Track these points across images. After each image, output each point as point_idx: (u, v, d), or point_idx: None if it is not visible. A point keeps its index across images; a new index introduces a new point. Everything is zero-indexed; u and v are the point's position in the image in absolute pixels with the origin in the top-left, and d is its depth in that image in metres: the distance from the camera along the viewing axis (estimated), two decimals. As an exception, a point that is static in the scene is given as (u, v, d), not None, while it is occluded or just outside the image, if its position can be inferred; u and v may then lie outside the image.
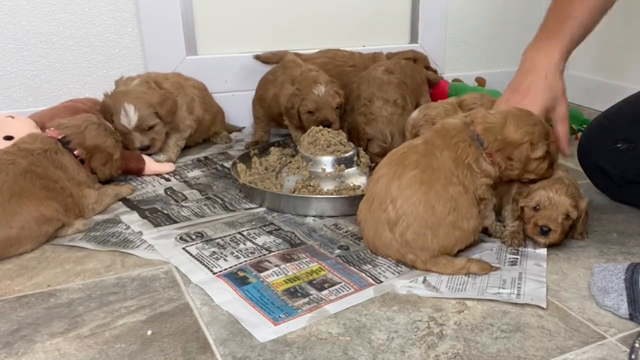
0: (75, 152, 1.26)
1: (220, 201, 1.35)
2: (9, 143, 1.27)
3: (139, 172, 1.49)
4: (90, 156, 1.29)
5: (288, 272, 1.04)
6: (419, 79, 1.74)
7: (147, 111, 1.50)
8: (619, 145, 1.26)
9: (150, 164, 1.51)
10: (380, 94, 1.53)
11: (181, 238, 1.17)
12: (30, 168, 1.16)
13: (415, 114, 1.38)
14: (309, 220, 1.26)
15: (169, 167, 1.55)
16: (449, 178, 1.03)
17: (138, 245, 1.15)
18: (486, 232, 1.16)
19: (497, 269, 1.03)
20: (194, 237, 1.17)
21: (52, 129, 1.28)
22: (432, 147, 1.06)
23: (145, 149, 1.53)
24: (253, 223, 1.24)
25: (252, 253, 1.11)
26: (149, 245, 1.15)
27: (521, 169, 1.07)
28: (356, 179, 1.37)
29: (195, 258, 1.09)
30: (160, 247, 1.14)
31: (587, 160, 1.34)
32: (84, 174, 1.27)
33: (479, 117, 1.09)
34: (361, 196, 1.26)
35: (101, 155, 1.30)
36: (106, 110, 1.50)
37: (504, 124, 1.07)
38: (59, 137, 1.26)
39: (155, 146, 1.56)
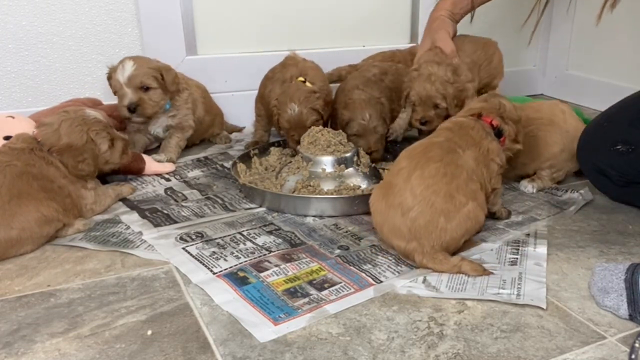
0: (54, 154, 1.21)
1: (220, 201, 1.35)
2: (8, 143, 1.27)
3: (139, 172, 1.49)
4: (61, 153, 1.20)
5: (288, 272, 1.04)
6: None
7: (146, 71, 1.48)
8: (618, 147, 1.25)
9: (151, 164, 1.51)
10: (362, 87, 1.56)
11: (181, 238, 1.17)
12: (26, 169, 1.15)
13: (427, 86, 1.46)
14: (309, 220, 1.26)
15: (169, 167, 1.54)
16: (470, 175, 1.08)
17: (138, 245, 1.15)
18: (493, 216, 1.22)
19: (489, 273, 1.02)
20: (194, 237, 1.17)
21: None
22: (455, 145, 1.11)
23: (133, 110, 1.47)
24: (253, 223, 1.24)
25: (252, 253, 1.11)
26: (149, 245, 1.15)
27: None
28: (356, 179, 1.37)
29: (195, 258, 1.09)
30: (160, 247, 1.14)
31: (586, 162, 1.34)
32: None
33: (487, 109, 1.18)
34: (362, 196, 1.26)
35: (76, 152, 1.21)
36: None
37: (502, 105, 1.19)
38: (38, 140, 1.22)
39: (144, 111, 1.49)
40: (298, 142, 1.46)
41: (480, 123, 1.16)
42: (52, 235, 1.16)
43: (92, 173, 1.26)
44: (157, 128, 1.60)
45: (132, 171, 1.48)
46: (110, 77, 1.51)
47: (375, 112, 1.52)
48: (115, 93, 1.51)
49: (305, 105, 1.50)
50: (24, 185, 1.13)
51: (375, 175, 1.40)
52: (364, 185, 1.35)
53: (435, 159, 1.07)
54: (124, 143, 1.33)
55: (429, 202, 1.03)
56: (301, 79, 1.57)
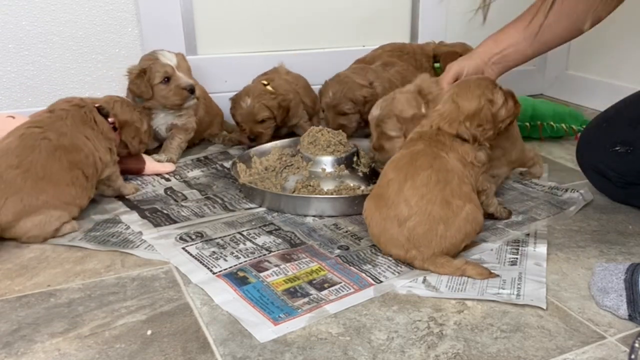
0: (110, 120, 1.34)
1: (220, 201, 1.35)
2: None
3: (139, 172, 1.49)
4: (122, 128, 1.38)
5: (288, 272, 1.04)
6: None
7: (183, 57, 1.60)
8: (617, 148, 1.25)
9: (151, 164, 1.51)
10: (337, 76, 1.63)
11: (181, 238, 1.17)
12: (59, 142, 1.20)
13: (377, 111, 1.37)
14: (309, 220, 1.26)
15: (169, 167, 1.55)
16: (461, 178, 1.06)
17: (138, 245, 1.15)
18: (492, 217, 1.21)
19: (495, 276, 1.01)
20: (193, 237, 1.17)
21: None
22: (438, 149, 1.07)
23: (192, 91, 1.54)
24: (253, 223, 1.24)
25: (252, 253, 1.11)
26: (149, 245, 1.15)
27: (494, 125, 1.12)
28: (356, 179, 1.37)
29: (195, 258, 1.09)
30: (160, 247, 1.14)
31: (586, 162, 1.34)
32: (113, 136, 1.34)
33: (439, 121, 1.10)
34: (361, 196, 1.26)
35: (130, 128, 1.40)
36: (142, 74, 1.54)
37: (458, 108, 1.10)
38: (96, 105, 1.33)
39: (196, 93, 1.57)
40: (249, 138, 1.59)
41: (441, 134, 1.10)
42: (58, 227, 1.17)
43: (139, 149, 1.47)
44: (160, 125, 1.60)
45: (132, 171, 1.48)
46: (143, 72, 1.51)
47: (340, 90, 1.58)
48: (157, 84, 1.51)
49: (258, 100, 1.60)
50: (55, 165, 1.18)
51: (375, 176, 1.40)
52: (364, 185, 1.36)
53: (424, 167, 1.04)
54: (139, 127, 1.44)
55: (425, 211, 1.01)
56: (264, 82, 1.65)
